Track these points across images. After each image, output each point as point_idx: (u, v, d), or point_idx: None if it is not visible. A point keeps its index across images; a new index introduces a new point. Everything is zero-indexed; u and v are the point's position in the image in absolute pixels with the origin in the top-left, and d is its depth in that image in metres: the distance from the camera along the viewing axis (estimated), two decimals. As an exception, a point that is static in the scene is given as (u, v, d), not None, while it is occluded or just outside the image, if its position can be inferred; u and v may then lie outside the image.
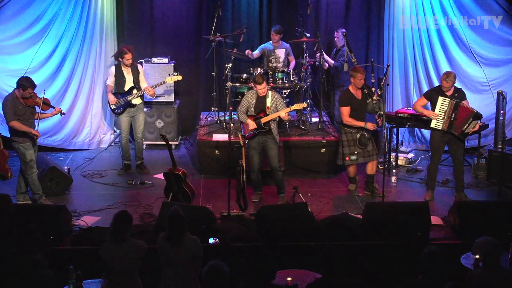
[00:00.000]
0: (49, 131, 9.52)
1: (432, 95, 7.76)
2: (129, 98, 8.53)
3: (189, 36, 10.26)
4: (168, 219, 5.14)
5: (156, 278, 5.23)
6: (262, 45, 9.81)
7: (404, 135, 9.83)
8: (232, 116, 8.99)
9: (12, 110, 7.16)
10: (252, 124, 7.49)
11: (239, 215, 7.09)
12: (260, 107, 7.54)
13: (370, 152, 7.82)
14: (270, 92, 7.59)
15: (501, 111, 8.68)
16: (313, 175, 8.69)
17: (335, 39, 9.64)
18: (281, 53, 9.63)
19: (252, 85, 7.76)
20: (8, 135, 7.50)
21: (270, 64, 9.54)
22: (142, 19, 10.15)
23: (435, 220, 6.93)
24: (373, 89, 7.68)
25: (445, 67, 9.41)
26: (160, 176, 8.27)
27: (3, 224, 5.49)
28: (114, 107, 8.58)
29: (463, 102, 7.59)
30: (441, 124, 7.60)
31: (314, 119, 9.62)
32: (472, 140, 9.10)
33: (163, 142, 7.59)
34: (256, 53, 9.71)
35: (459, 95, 7.65)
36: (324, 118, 9.58)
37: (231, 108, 8.83)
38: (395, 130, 9.11)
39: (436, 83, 9.33)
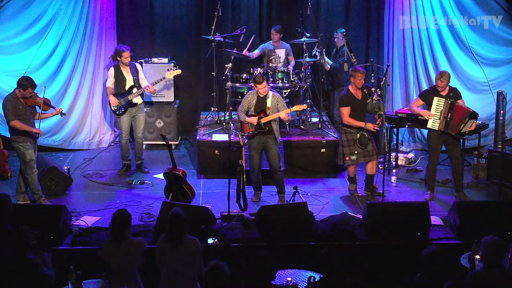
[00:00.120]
0: (49, 131, 9.51)
1: (427, 96, 7.74)
2: (129, 97, 8.53)
3: (189, 36, 10.27)
4: (168, 219, 5.16)
5: (156, 278, 5.24)
6: (262, 45, 9.81)
7: (404, 135, 9.83)
8: (232, 116, 9.00)
9: (13, 110, 7.16)
10: (254, 120, 7.48)
11: (239, 215, 7.09)
12: (261, 107, 7.55)
13: (370, 152, 7.82)
14: (270, 93, 7.60)
15: (501, 111, 8.68)
16: (313, 175, 8.70)
17: (335, 39, 9.63)
18: (281, 53, 9.64)
19: (253, 85, 7.76)
20: (8, 135, 7.49)
21: (270, 64, 9.54)
22: (142, 19, 10.15)
23: (435, 220, 6.94)
24: (373, 89, 7.67)
25: (445, 67, 9.39)
26: (160, 176, 8.28)
27: (3, 224, 5.48)
28: (115, 108, 8.59)
29: (458, 101, 7.56)
30: (438, 125, 7.59)
31: (314, 119, 9.61)
32: (472, 140, 9.09)
33: (163, 142, 7.59)
34: (256, 52, 9.71)
35: (454, 94, 7.63)
36: (324, 118, 9.58)
37: (231, 108, 8.83)
38: (395, 130, 9.11)
39: (436, 83, 9.34)
